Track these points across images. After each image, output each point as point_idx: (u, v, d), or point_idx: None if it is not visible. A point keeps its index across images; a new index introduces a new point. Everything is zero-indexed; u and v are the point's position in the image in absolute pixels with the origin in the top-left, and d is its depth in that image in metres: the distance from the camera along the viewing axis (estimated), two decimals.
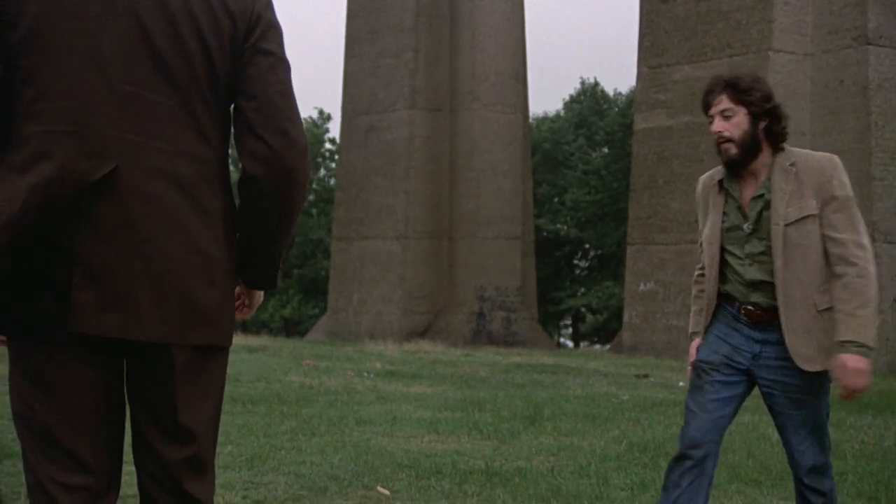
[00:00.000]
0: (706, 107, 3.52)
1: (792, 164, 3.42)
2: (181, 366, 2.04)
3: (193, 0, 2.00)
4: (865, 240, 3.33)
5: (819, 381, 3.39)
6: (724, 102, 3.42)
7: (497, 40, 21.97)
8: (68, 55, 1.91)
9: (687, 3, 17.14)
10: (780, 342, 3.37)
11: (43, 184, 1.88)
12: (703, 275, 3.66)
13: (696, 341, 3.64)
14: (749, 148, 3.41)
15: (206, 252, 2.03)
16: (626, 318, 19.71)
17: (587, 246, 37.81)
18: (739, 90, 3.40)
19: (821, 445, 3.44)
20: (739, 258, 3.47)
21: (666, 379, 11.94)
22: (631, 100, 31.41)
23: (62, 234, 1.88)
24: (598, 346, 34.40)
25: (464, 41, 21.94)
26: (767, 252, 3.40)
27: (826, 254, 3.35)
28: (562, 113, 39.98)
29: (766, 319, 3.41)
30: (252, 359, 11.85)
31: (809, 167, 3.40)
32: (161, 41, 1.97)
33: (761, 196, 3.43)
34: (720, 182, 3.55)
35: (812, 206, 3.33)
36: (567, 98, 40.40)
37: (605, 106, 38.21)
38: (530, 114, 27.21)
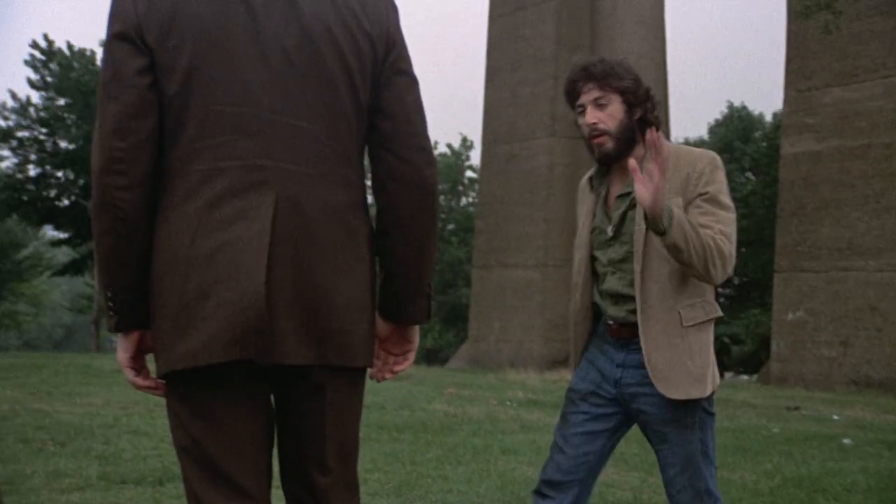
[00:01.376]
0: (573, 97, 3.02)
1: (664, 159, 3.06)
2: (333, 389, 2.09)
3: (335, 26, 2.05)
4: (731, 246, 2.87)
5: (685, 410, 2.90)
6: (595, 90, 2.95)
7: (637, 66, 21.67)
8: (222, 93, 1.97)
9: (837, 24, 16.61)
10: (640, 365, 2.92)
11: (211, 221, 1.94)
12: None
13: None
14: (626, 140, 2.97)
15: (358, 277, 2.08)
16: (773, 347, 19.14)
17: (731, 273, 36.85)
18: (612, 76, 2.97)
19: (695, 490, 2.92)
20: (603, 265, 3.02)
21: (819, 412, 11.52)
22: (777, 124, 30.60)
23: (229, 267, 1.94)
24: (744, 377, 33.42)
25: None
26: (629, 259, 2.95)
27: None
28: (706, 137, 39.24)
29: (626, 336, 2.96)
30: (396, 387, 11.99)
31: (681, 162, 2.95)
32: (307, 70, 2.02)
33: (627, 194, 2.98)
34: (590, 179, 3.10)
35: (678, 204, 2.88)
36: (712, 122, 39.64)
37: (753, 130, 37.25)
38: (672, 140, 26.83)
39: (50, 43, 31.89)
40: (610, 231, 2.99)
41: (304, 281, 1.99)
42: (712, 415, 2.97)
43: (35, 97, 31.81)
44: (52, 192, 32.91)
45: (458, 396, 11.62)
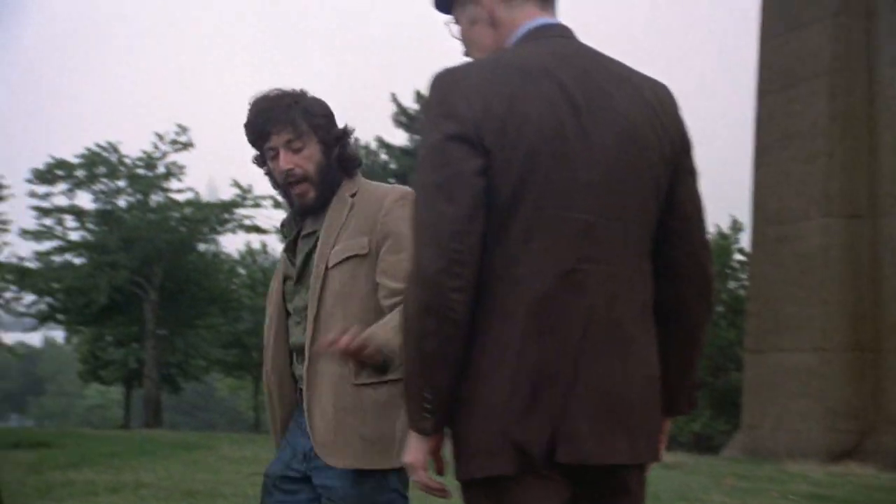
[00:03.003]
0: (260, 138, 2.65)
1: (353, 195, 2.71)
2: (635, 485, 2.10)
3: (646, 127, 2.08)
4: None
5: (371, 486, 2.53)
6: (287, 132, 2.61)
7: None
8: (552, 195, 1.98)
9: None
10: None
11: (533, 324, 1.96)
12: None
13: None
14: (329, 185, 2.69)
15: (654, 373, 2.10)
16: None
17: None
18: (305, 114, 2.65)
19: None
20: (291, 315, 2.71)
21: None
22: None
23: (548, 369, 1.97)
24: None
25: (883, 142, 20.74)
26: None
27: (379, 307, 2.57)
28: None
29: None
30: (670, 476, 11.67)
31: (370, 197, 2.68)
32: (625, 170, 2.04)
33: (312, 233, 2.70)
34: (283, 225, 2.79)
35: (362, 244, 2.60)
36: None
37: None
38: None
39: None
40: (294, 275, 2.70)
41: (619, 380, 2.01)
42: (406, 498, 2.63)
43: None
44: None
45: (737, 488, 11.16)
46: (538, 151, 1.98)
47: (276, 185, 2.74)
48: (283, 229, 2.82)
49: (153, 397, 34.33)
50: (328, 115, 2.77)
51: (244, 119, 2.74)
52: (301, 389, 2.65)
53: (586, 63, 2.11)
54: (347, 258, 2.63)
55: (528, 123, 1.98)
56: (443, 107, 2.01)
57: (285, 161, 2.66)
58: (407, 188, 2.73)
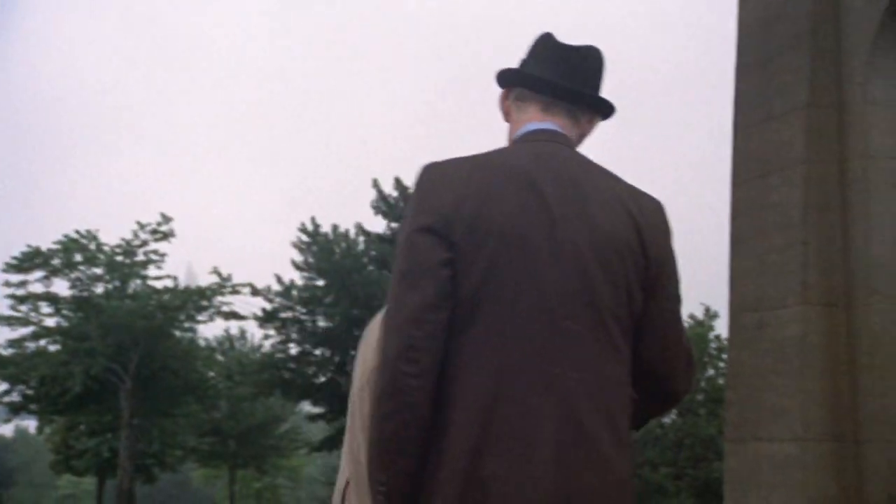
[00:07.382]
0: None
1: None
2: None
3: (623, 239, 2.13)
4: None
5: None
6: None
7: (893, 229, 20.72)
8: (516, 294, 2.02)
9: None
10: None
11: (493, 419, 1.97)
12: None
13: None
14: None
15: (624, 479, 2.08)
16: None
17: None
18: None
19: None
20: None
21: None
22: None
23: (508, 465, 1.97)
24: None
25: (857, 231, 20.89)
26: None
27: None
28: None
29: None
30: None
31: None
32: (596, 279, 2.08)
33: None
34: None
35: None
36: None
37: None
38: None
39: (316, 226, 33.53)
40: None
41: (574, 487, 2.01)
42: None
43: (298, 278, 33.58)
44: (311, 370, 34.41)
45: None
46: (503, 252, 2.03)
47: None
48: None
49: (126, 488, 33.61)
50: None
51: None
52: None
53: (569, 168, 2.17)
54: None
55: (497, 225, 2.04)
56: (418, 200, 2.09)
57: None
58: None
